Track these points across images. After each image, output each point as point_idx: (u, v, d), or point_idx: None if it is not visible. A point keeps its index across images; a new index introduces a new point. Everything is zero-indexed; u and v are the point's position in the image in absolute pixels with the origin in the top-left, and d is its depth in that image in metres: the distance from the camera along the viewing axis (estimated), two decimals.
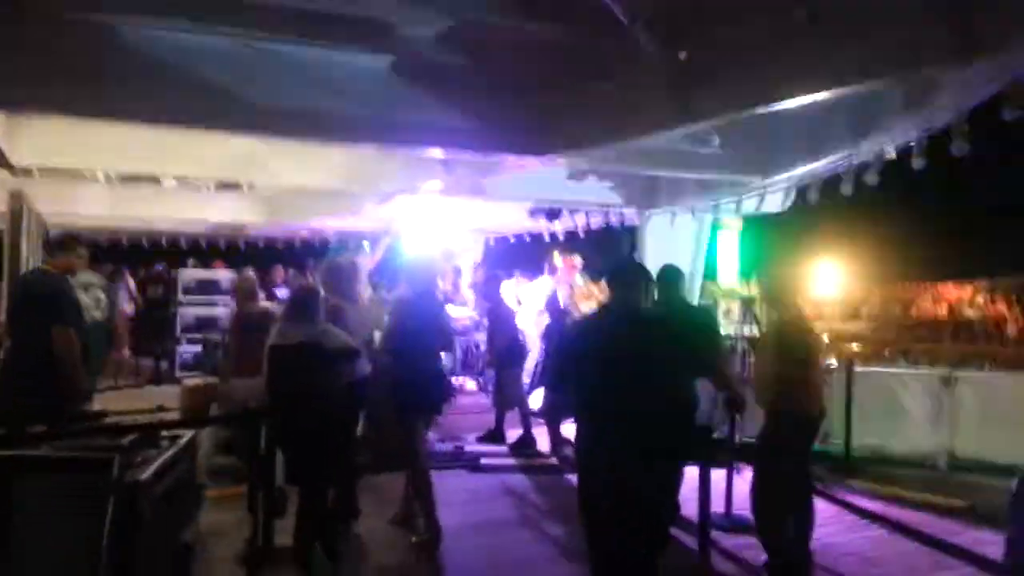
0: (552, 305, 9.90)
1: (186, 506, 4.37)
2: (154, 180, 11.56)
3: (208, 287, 11.95)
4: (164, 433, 4.22)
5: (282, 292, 12.97)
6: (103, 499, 3.25)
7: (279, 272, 13.71)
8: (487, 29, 4.81)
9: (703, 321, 5.71)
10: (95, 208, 11.43)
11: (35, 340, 4.59)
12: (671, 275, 5.47)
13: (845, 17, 3.84)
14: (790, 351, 4.56)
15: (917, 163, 4.95)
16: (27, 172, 9.57)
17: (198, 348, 11.31)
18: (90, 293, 6.00)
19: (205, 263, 13.92)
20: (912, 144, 5.07)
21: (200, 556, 4.48)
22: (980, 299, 13.39)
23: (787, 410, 4.56)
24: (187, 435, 4.35)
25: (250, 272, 6.59)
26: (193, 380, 8.75)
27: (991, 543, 5.21)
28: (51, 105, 5.16)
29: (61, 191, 10.82)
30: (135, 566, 3.47)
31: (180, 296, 11.67)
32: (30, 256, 7.25)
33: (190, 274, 12.19)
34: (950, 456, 6.96)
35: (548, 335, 9.60)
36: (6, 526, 3.25)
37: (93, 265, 10.63)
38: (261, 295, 11.00)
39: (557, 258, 10.33)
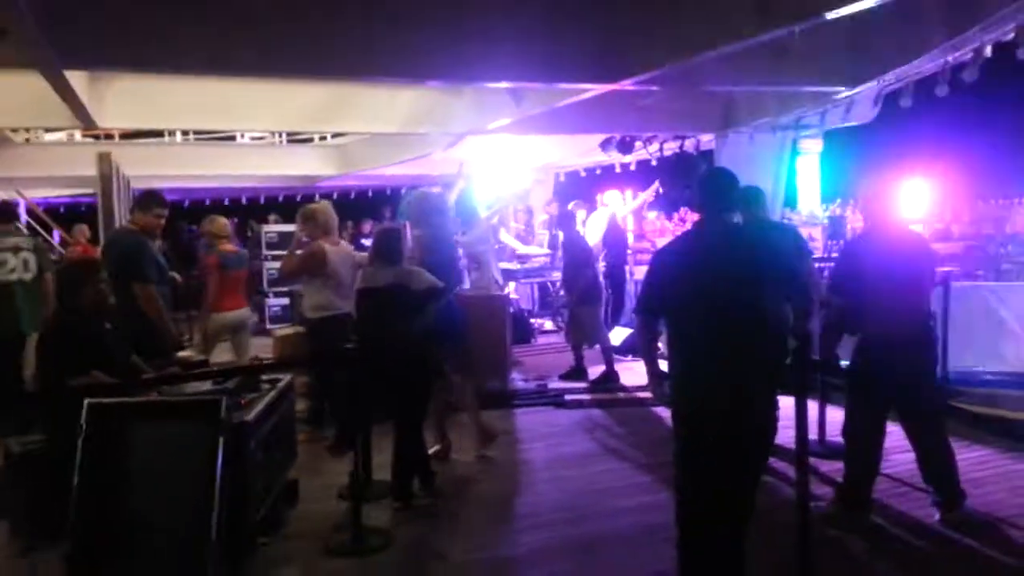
0: (613, 237, 9.75)
1: (288, 444, 4.55)
2: (229, 139, 11.87)
3: (291, 241, 12.18)
4: (264, 377, 4.38)
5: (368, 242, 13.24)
6: (214, 440, 3.38)
7: (366, 225, 13.97)
8: None
9: (793, 240, 5.51)
10: (175, 168, 11.82)
11: (122, 297, 4.72)
12: (753, 195, 5.29)
13: None
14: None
15: (1022, 54, 4.57)
16: (110, 137, 9.96)
17: (285, 301, 11.62)
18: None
19: (286, 217, 14.24)
20: (1013, 36, 4.70)
21: (303, 493, 4.67)
22: None
23: None
24: (285, 379, 4.50)
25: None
26: (283, 330, 9.02)
27: None
28: (132, 63, 5.27)
29: (143, 153, 11.22)
30: (247, 501, 3.64)
31: (264, 250, 11.97)
32: (122, 217, 7.53)
33: (271, 229, 12.48)
34: None
35: (610, 271, 9.51)
36: (126, 468, 3.43)
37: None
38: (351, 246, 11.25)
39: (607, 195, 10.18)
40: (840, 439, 5.47)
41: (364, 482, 4.34)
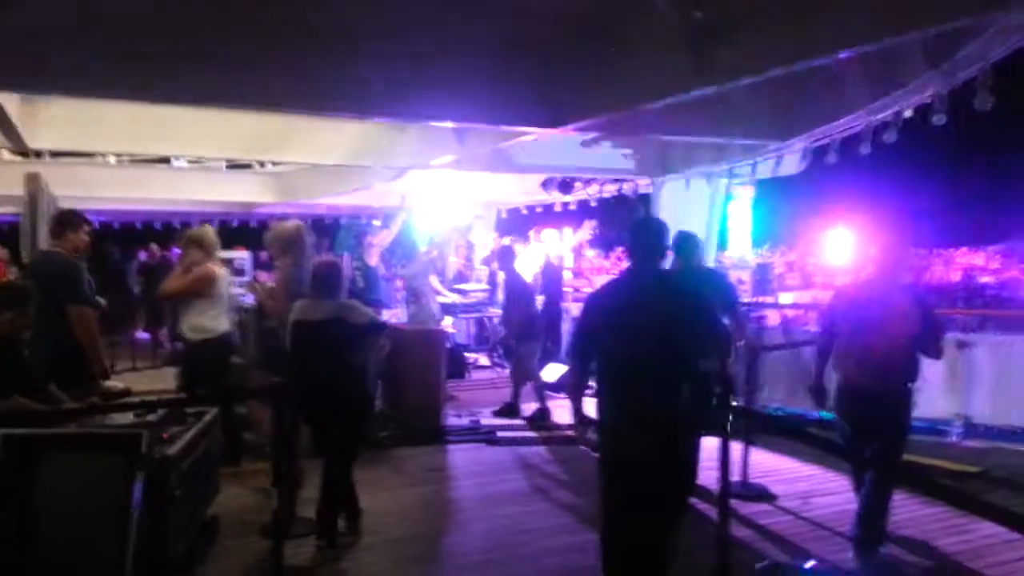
0: (548, 275, 9.90)
1: (210, 479, 4.42)
2: (165, 161, 11.61)
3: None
4: (189, 410, 4.27)
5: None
6: (132, 475, 3.28)
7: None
8: None
9: (722, 286, 5.68)
10: (107, 190, 11.49)
11: (49, 322, 4.53)
12: (686, 241, 5.45)
13: None
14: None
15: (938, 119, 4.86)
16: (39, 155, 9.64)
17: None
18: None
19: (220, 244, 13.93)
20: (932, 101, 4.99)
21: (224, 529, 4.54)
22: (994, 264, 13.28)
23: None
24: (211, 411, 4.39)
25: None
26: None
27: (1011, 505, 5.22)
28: (65, 87, 5.15)
29: (74, 174, 10.87)
30: (164, 540, 3.52)
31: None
32: (47, 239, 7.28)
33: None
34: (965, 421, 6.92)
35: (546, 309, 9.63)
36: (35, 503, 3.29)
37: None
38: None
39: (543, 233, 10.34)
40: (760, 482, 5.64)
41: (288, 519, 4.24)
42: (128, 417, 4.03)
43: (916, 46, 4.54)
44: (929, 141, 5.97)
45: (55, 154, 10.16)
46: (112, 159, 11.41)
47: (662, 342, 3.18)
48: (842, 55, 3.97)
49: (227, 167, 12.37)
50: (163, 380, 8.91)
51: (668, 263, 3.80)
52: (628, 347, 3.22)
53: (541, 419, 7.49)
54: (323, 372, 4.32)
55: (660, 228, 3.41)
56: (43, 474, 3.33)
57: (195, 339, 5.63)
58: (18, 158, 10.53)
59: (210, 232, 6.01)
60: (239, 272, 12.04)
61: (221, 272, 5.82)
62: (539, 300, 9.91)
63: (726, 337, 3.65)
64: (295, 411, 4.25)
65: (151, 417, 4.02)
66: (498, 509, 5.20)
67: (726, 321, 5.26)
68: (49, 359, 4.36)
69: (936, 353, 4.35)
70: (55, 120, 7.00)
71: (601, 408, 3.32)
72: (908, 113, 5.49)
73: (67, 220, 5.15)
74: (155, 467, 3.45)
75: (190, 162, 12.05)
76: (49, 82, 4.94)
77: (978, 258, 14.16)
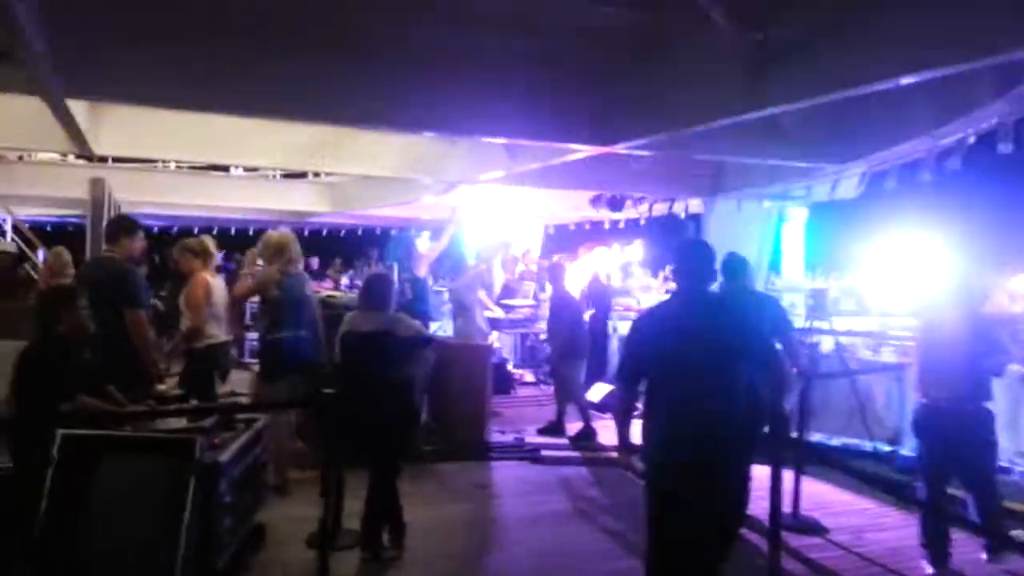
0: (596, 293, 9.84)
1: (258, 486, 4.49)
2: (223, 169, 11.92)
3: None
4: (239, 416, 4.34)
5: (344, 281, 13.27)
6: (185, 479, 3.34)
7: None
8: (553, 13, 4.75)
9: (774, 311, 5.56)
10: (167, 196, 11.83)
11: (104, 325, 4.66)
12: (736, 264, 5.38)
13: None
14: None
15: (1003, 148, 4.73)
16: (103, 160, 9.97)
17: None
18: None
19: None
20: (996, 129, 4.85)
21: (272, 537, 4.60)
22: None
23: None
24: (262, 418, 4.46)
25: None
26: None
27: None
28: (136, 97, 5.32)
29: (136, 179, 11.23)
30: (212, 544, 3.58)
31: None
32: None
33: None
34: None
35: (593, 327, 9.57)
36: (91, 503, 3.38)
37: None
38: (329, 283, 11.18)
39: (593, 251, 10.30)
40: (813, 514, 5.49)
41: (333, 530, 4.27)
42: (182, 421, 4.11)
43: (982, 73, 4.41)
44: (991, 169, 5.77)
45: (118, 159, 10.50)
46: (172, 166, 11.76)
47: (712, 368, 3.13)
48: (903, 81, 3.87)
49: (282, 176, 12.65)
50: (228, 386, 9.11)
51: (715, 286, 3.75)
52: (677, 371, 3.17)
53: (585, 439, 7.43)
54: (370, 383, 4.36)
55: (708, 251, 3.37)
56: (100, 475, 3.42)
57: (200, 345, 5.71)
58: (83, 162, 10.93)
59: (210, 242, 6.15)
60: None
61: (214, 281, 5.94)
62: (586, 316, 9.90)
63: (778, 364, 3.56)
64: (342, 421, 4.28)
65: (204, 422, 4.10)
66: (541, 530, 5.17)
67: (779, 347, 5.15)
68: (105, 362, 4.47)
69: (994, 369, 4.60)
70: (120, 126, 7.24)
71: (648, 432, 3.28)
72: (972, 139, 5.34)
73: (122, 226, 5.30)
74: (207, 473, 3.52)
75: (247, 170, 12.36)
76: (115, 90, 5.10)
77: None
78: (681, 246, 3.44)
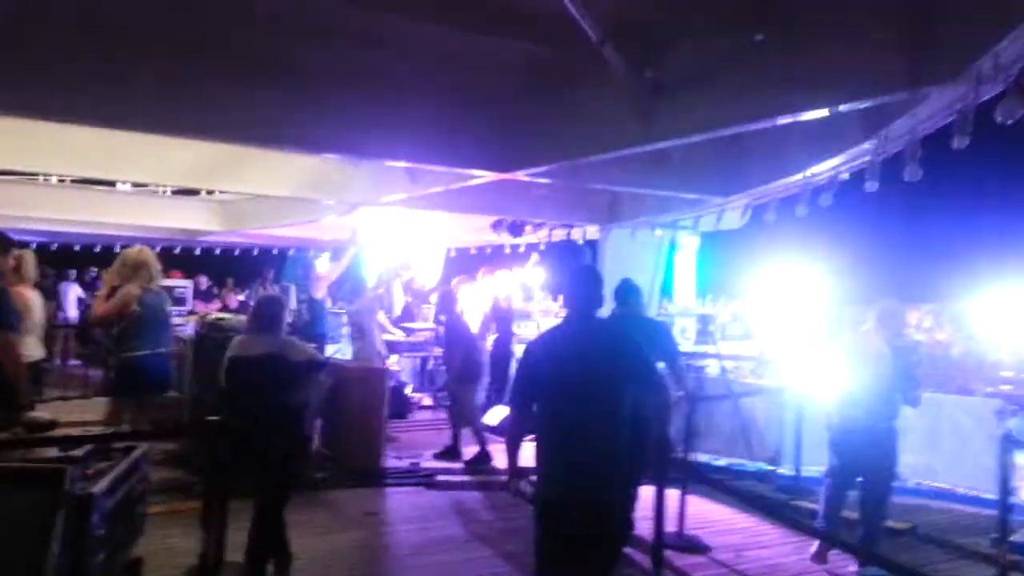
0: (497, 317, 9.94)
1: (135, 519, 4.27)
2: (108, 184, 11.36)
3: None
4: (116, 445, 4.13)
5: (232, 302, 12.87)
6: (54, 513, 3.15)
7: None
8: (460, 43, 4.83)
9: (661, 335, 5.74)
10: (47, 211, 11.18)
11: None
12: (628, 290, 5.54)
13: (806, 44, 3.95)
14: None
15: (871, 186, 5.09)
16: None
17: None
18: None
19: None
20: (866, 167, 5.22)
21: (150, 571, 4.37)
22: (927, 323, 13.80)
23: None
24: (140, 447, 4.25)
25: None
26: None
27: (935, 562, 5.36)
28: (8, 107, 5.04)
29: (11, 193, 10.57)
30: None
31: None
32: None
33: None
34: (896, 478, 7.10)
35: (495, 351, 9.67)
36: None
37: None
38: (218, 305, 10.77)
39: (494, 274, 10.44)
40: (696, 533, 5.68)
41: (215, 564, 4.11)
42: (52, 451, 3.87)
43: (854, 116, 4.76)
44: (864, 204, 6.21)
45: None
46: (54, 179, 11.14)
47: (600, 391, 3.21)
48: (779, 121, 4.14)
49: (172, 192, 12.18)
50: (94, 411, 8.63)
51: (607, 311, 3.86)
52: (565, 396, 3.24)
53: (481, 463, 7.44)
54: (258, 410, 4.23)
55: (596, 277, 3.49)
56: None
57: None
58: None
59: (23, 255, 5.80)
60: (179, 301, 11.77)
61: (31, 295, 5.68)
62: (489, 340, 9.96)
63: (663, 387, 3.69)
64: (227, 449, 4.14)
65: (76, 452, 3.87)
66: (434, 556, 5.13)
67: (666, 371, 5.33)
68: None
69: (914, 402, 5.11)
70: None
71: (539, 455, 3.33)
72: (845, 176, 5.73)
73: None
74: (78, 505, 3.33)
75: (135, 186, 11.83)
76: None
77: (912, 317, 14.63)
78: (572, 273, 3.53)
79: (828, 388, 5.42)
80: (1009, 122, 3.53)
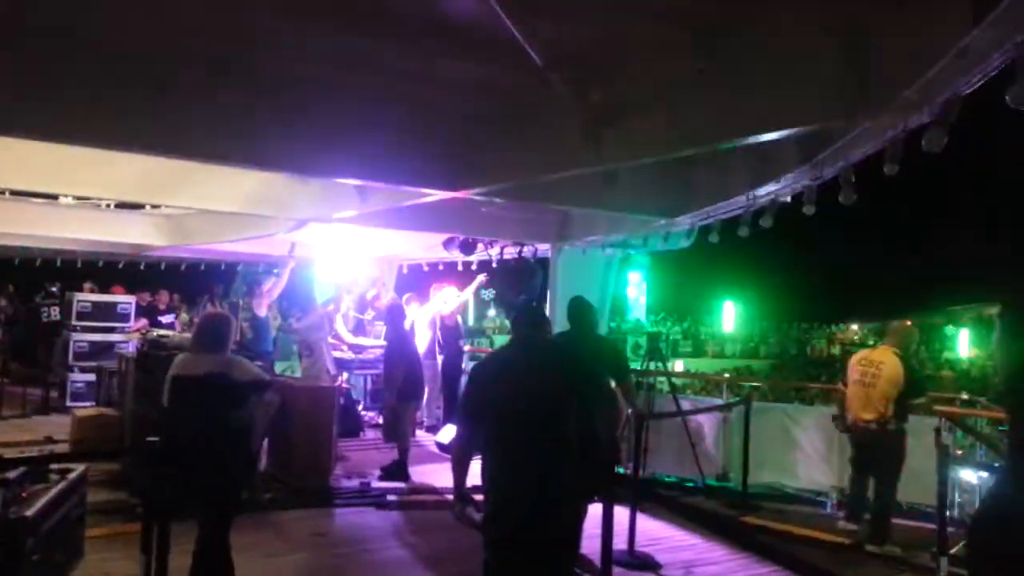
0: (445, 334, 9.97)
1: (73, 542, 4.16)
2: (50, 197, 11.06)
3: (105, 312, 11.42)
4: (53, 467, 4.03)
5: (167, 318, 12.60)
6: None
7: (163, 297, 13.34)
8: (412, 61, 4.86)
9: (613, 353, 5.82)
10: None
11: None
12: (581, 307, 5.61)
13: (745, 72, 4.09)
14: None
15: (808, 209, 5.26)
16: None
17: (91, 377, 10.75)
18: None
19: (103, 285, 13.32)
20: (803, 191, 5.38)
21: None
22: (871, 341, 14.25)
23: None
24: (79, 469, 4.16)
25: None
26: (85, 410, 8.35)
27: None
28: None
29: None
30: None
31: (74, 320, 11.11)
32: None
33: (84, 298, 11.62)
34: (840, 492, 7.29)
35: (444, 368, 9.69)
36: None
37: None
38: (144, 322, 10.55)
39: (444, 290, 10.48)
40: (647, 550, 5.75)
41: None
42: None
43: (792, 142, 4.93)
44: (805, 226, 6.41)
45: None
46: None
47: (543, 410, 3.25)
48: (720, 146, 4.27)
49: (116, 206, 11.90)
50: (31, 431, 8.37)
51: (558, 329, 3.90)
52: (508, 417, 3.27)
53: (397, 472, 7.44)
54: (201, 430, 4.16)
55: (538, 298, 3.58)
56: None
57: None
58: None
59: None
60: (122, 317, 11.50)
61: None
62: (439, 359, 9.95)
63: (613, 405, 3.74)
64: (169, 471, 4.06)
65: (10, 474, 3.77)
66: None
67: (616, 388, 5.39)
68: None
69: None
70: None
71: (484, 475, 3.34)
72: (787, 199, 5.89)
73: None
74: (11, 529, 3.24)
75: (77, 199, 11.54)
76: None
77: (854, 334, 15.07)
78: (517, 309, 3.60)
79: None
80: (936, 151, 3.69)
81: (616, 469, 5.17)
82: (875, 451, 6.20)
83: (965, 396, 8.35)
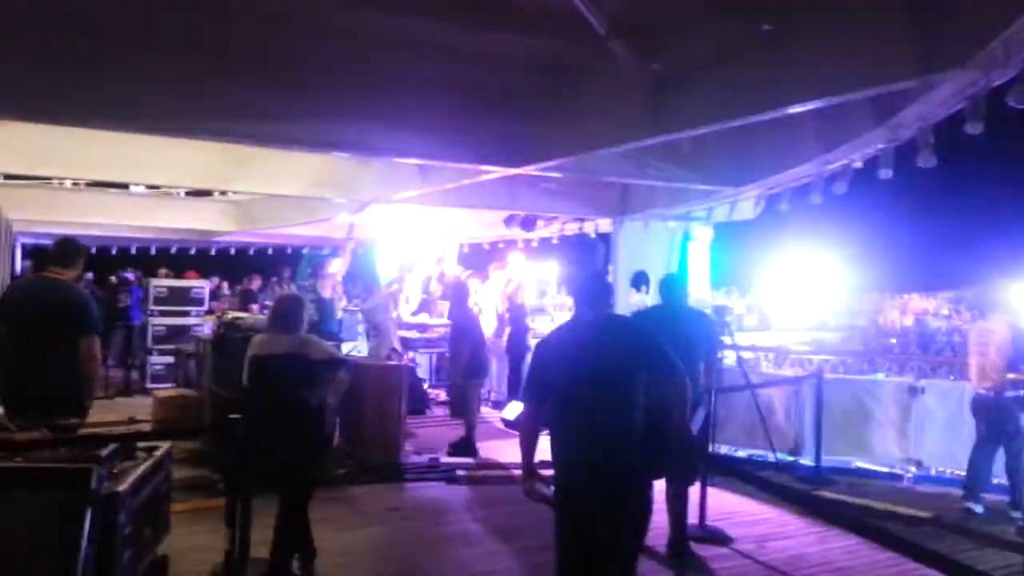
0: (511, 311, 9.99)
1: (160, 517, 4.33)
2: (122, 186, 11.45)
3: (180, 296, 11.81)
4: (140, 444, 4.19)
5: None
6: (81, 511, 3.21)
7: (256, 281, 13.68)
8: (467, 39, 4.84)
9: (708, 328, 5.69)
10: (62, 214, 11.29)
11: (50, 351, 4.51)
12: (672, 282, 5.62)
13: (812, 33, 3.94)
14: None
15: (884, 173, 5.07)
16: None
17: (170, 359, 11.16)
18: None
19: (177, 271, 13.77)
20: (879, 155, 5.20)
21: (176, 569, 4.44)
22: (945, 310, 13.74)
23: None
24: (164, 446, 4.32)
25: None
26: (165, 391, 8.65)
27: (956, 552, 5.33)
28: (15, 113, 5.10)
29: (26, 198, 10.68)
30: None
31: (151, 306, 11.52)
32: (2, 263, 7.12)
33: (160, 283, 12.04)
34: (916, 466, 7.09)
35: (510, 346, 9.71)
36: None
37: None
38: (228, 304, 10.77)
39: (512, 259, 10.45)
40: (718, 524, 5.69)
41: (240, 560, 4.16)
42: (78, 451, 3.94)
43: (865, 103, 4.74)
44: (879, 192, 6.18)
45: (9, 177, 9.98)
46: (68, 183, 11.24)
47: (609, 384, 3.22)
48: (790, 110, 4.13)
49: (186, 194, 12.26)
50: (114, 411, 8.72)
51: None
52: (573, 394, 3.26)
53: (464, 449, 7.52)
54: (280, 408, 4.28)
55: (602, 273, 3.55)
56: None
57: None
58: None
59: None
60: (196, 302, 11.87)
61: None
62: (506, 334, 10.00)
63: (682, 381, 3.66)
64: (251, 447, 4.19)
65: (101, 451, 3.93)
66: (455, 551, 5.17)
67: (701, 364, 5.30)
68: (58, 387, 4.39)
69: None
70: (9, 144, 6.89)
71: (553, 450, 3.35)
72: (859, 164, 5.70)
73: (69, 250, 4.98)
74: (104, 504, 3.39)
75: (149, 187, 11.92)
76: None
77: (929, 303, 14.57)
78: (577, 274, 3.59)
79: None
80: (1022, 107, 3.50)
81: (687, 447, 5.08)
82: (993, 421, 6.08)
83: None
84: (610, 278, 8.88)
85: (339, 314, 10.14)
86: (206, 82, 4.92)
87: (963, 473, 6.48)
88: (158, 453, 4.20)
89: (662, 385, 3.33)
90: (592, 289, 3.44)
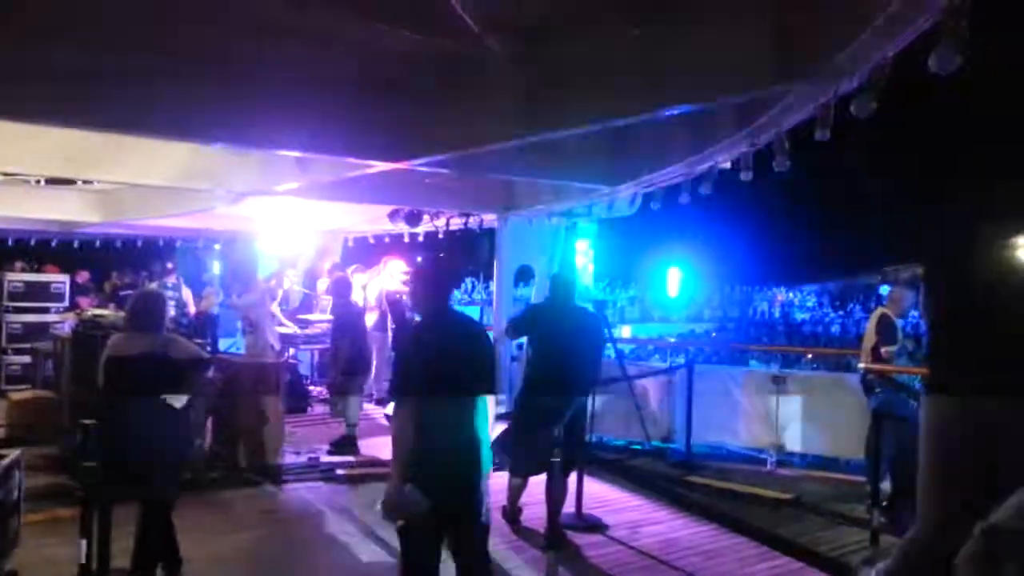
0: (393, 308, 9.93)
1: (7, 530, 4.05)
2: None
3: (38, 292, 11.06)
4: None
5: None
6: None
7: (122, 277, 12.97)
8: (350, 31, 4.75)
9: (600, 325, 6.01)
10: None
11: None
12: (565, 279, 5.84)
13: (684, 40, 4.10)
14: None
15: (745, 176, 5.35)
16: None
17: (27, 359, 10.43)
18: None
19: (34, 265, 12.87)
20: (741, 158, 5.47)
21: None
22: (810, 302, 14.66)
23: None
24: (12, 454, 4.04)
25: None
26: (20, 393, 8.12)
27: (816, 531, 5.72)
28: None
29: None
30: None
31: (6, 301, 10.73)
32: None
33: (16, 277, 11.23)
34: (779, 451, 7.54)
35: (394, 343, 9.65)
36: None
37: None
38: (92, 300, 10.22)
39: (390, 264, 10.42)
40: (594, 513, 5.87)
41: (99, 572, 3.95)
42: None
43: (729, 109, 4.98)
44: (743, 192, 6.52)
45: None
46: None
47: (457, 382, 3.34)
48: (656, 114, 4.32)
49: (46, 182, 11.46)
50: None
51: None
52: (428, 388, 3.33)
53: (346, 446, 7.46)
54: (138, 411, 4.09)
55: (446, 272, 3.70)
56: None
57: None
58: None
59: None
60: (56, 297, 11.15)
61: None
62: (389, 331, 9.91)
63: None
64: (108, 453, 3.98)
65: None
66: (333, 553, 5.09)
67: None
68: None
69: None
70: None
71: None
72: (726, 165, 5.98)
73: None
74: None
75: (4, 175, 11.07)
76: None
77: (794, 296, 15.46)
78: (418, 270, 3.68)
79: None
80: (863, 115, 3.78)
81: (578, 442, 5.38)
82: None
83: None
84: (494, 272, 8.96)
85: (215, 310, 9.81)
86: (66, 67, 4.59)
87: (822, 456, 6.99)
88: (5, 461, 3.93)
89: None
90: (435, 291, 3.56)
